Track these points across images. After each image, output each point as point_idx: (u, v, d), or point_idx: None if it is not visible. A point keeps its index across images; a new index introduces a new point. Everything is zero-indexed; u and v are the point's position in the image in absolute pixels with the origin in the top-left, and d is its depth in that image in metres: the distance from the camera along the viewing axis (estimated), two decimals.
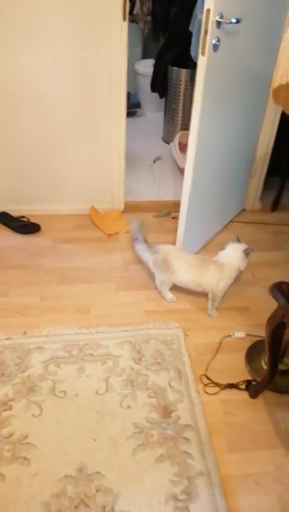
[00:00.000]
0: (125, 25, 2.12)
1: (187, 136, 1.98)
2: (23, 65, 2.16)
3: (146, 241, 2.10)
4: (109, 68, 2.21)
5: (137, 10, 3.55)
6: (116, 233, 2.54)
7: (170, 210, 2.72)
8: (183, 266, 1.98)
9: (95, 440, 1.49)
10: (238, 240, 1.98)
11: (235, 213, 2.74)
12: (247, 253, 1.94)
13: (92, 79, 2.24)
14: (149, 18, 3.58)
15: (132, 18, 3.54)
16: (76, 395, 1.63)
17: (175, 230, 2.27)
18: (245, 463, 1.47)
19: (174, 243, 2.28)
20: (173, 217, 2.65)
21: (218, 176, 2.31)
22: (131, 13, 3.50)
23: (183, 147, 2.94)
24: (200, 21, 1.79)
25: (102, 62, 2.20)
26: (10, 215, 2.57)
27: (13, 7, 2.00)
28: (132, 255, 2.34)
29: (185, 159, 2.03)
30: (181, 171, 2.70)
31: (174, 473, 1.41)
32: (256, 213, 2.80)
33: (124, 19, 2.10)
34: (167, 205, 2.74)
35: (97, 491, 1.36)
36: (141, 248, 2.12)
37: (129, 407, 1.60)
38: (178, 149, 3.09)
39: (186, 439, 1.51)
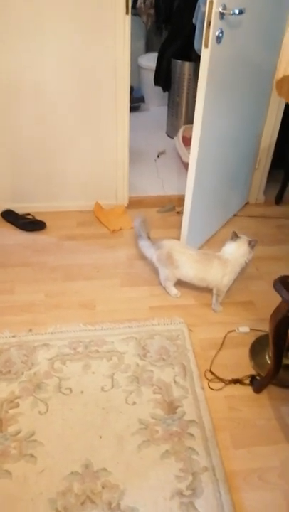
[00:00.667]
0: (128, 18, 2.10)
1: (191, 130, 1.96)
2: (24, 63, 2.15)
3: (149, 237, 2.10)
4: (113, 63, 2.20)
5: (139, 3, 3.52)
6: (120, 229, 2.54)
7: (174, 205, 2.71)
8: (187, 261, 1.98)
9: (100, 437, 1.50)
10: (236, 235, 1.96)
11: (239, 207, 2.73)
12: (252, 245, 1.93)
13: (95, 74, 2.23)
14: (152, 11, 3.56)
15: (135, 11, 3.52)
16: (82, 392, 1.64)
17: (179, 225, 2.26)
18: (250, 458, 1.47)
19: (178, 238, 2.27)
20: (177, 212, 2.64)
21: (221, 170, 2.30)
22: (134, 6, 3.48)
23: (187, 141, 2.92)
24: (203, 13, 1.77)
25: (105, 56, 2.18)
26: (15, 213, 2.58)
27: (13, 4, 1.99)
28: (136, 251, 2.33)
29: (189, 153, 2.02)
30: (185, 165, 2.69)
31: (179, 468, 1.42)
32: (260, 207, 2.78)
33: (127, 13, 2.08)
34: (171, 200, 2.74)
35: (103, 487, 1.37)
36: (144, 244, 2.12)
37: (134, 403, 1.61)
38: (182, 143, 3.08)
39: (191, 434, 1.51)
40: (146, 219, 2.14)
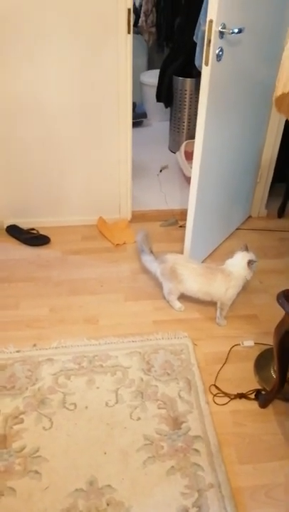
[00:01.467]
0: (130, 37, 2.15)
1: (193, 144, 1.99)
2: (27, 80, 2.20)
3: (152, 251, 2.11)
4: (115, 80, 2.24)
5: (141, 22, 3.60)
6: (124, 243, 2.55)
7: (177, 219, 2.73)
8: (190, 275, 1.99)
9: (105, 453, 1.49)
10: (246, 249, 1.98)
11: (241, 221, 2.74)
12: (250, 265, 1.93)
13: (98, 91, 2.28)
14: (153, 29, 3.63)
15: (137, 29, 3.59)
16: (86, 407, 1.64)
17: (182, 239, 2.27)
18: (256, 474, 1.45)
19: (181, 252, 2.28)
20: (180, 226, 2.66)
21: (224, 184, 2.32)
22: (135, 25, 3.55)
23: (189, 156, 2.95)
24: (203, 32, 1.81)
25: (108, 74, 2.23)
26: (20, 228, 2.60)
27: (18, 22, 2.05)
28: (139, 265, 2.35)
29: (191, 168, 2.05)
30: (188, 179, 2.71)
31: (184, 485, 1.41)
32: (262, 220, 2.79)
33: (129, 32, 2.13)
34: (174, 214, 2.75)
35: (108, 504, 1.36)
36: (147, 259, 2.13)
37: (139, 418, 1.60)
38: (184, 158, 3.11)
39: (196, 450, 1.50)
40: (148, 234, 2.16)
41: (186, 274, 1.99)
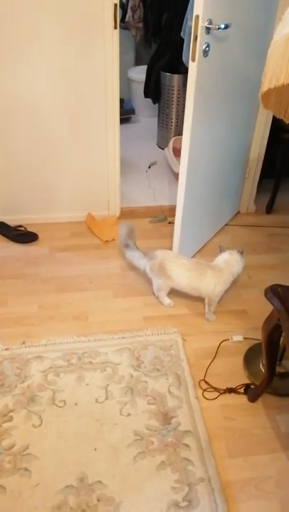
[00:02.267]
0: (116, 33, 2.13)
1: (181, 141, 1.99)
2: (14, 78, 2.17)
3: (137, 247, 2.09)
4: (102, 76, 2.23)
5: (128, 17, 3.57)
6: (113, 240, 2.54)
7: (166, 215, 2.72)
8: (180, 270, 1.99)
9: (95, 449, 1.49)
10: (223, 249, 2.01)
11: (230, 216, 2.75)
12: (242, 254, 1.96)
13: (85, 87, 2.26)
14: (140, 24, 3.60)
15: (124, 25, 3.57)
16: (76, 404, 1.63)
17: (171, 235, 2.28)
18: (246, 468, 1.47)
19: (170, 248, 2.28)
20: (169, 222, 2.66)
21: (212, 180, 2.33)
22: (123, 20, 3.53)
23: (177, 152, 2.95)
24: (190, 27, 1.80)
25: (95, 70, 2.21)
26: (7, 225, 2.58)
27: (5, 22, 2.02)
28: (129, 261, 2.34)
29: (179, 164, 2.04)
30: (176, 175, 2.71)
31: (174, 480, 1.41)
32: (251, 216, 2.81)
33: (116, 27, 2.12)
34: (163, 210, 2.75)
35: (99, 500, 1.36)
36: (135, 255, 2.12)
37: (129, 414, 1.60)
38: (172, 154, 3.11)
39: (186, 445, 1.51)
40: (133, 228, 2.13)
41: (175, 269, 1.99)
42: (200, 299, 2.06)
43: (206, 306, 2.02)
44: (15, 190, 2.55)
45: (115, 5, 2.06)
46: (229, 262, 1.97)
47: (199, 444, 1.51)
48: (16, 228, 2.56)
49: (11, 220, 2.59)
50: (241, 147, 2.50)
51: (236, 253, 1.97)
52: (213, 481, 1.41)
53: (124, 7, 3.56)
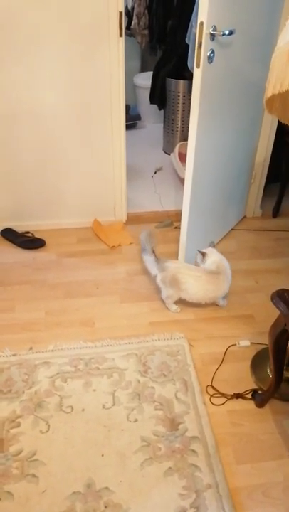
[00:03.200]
0: (122, 40, 2.16)
1: (187, 146, 1.99)
2: (20, 84, 2.20)
3: (154, 252, 2.10)
4: (108, 83, 2.25)
5: (134, 24, 3.60)
6: (119, 245, 2.55)
7: (172, 220, 2.73)
8: (196, 283, 2.00)
9: (102, 455, 1.49)
10: (204, 254, 2.08)
11: (236, 221, 2.75)
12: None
13: (91, 94, 2.28)
14: (146, 31, 3.63)
15: (130, 32, 3.60)
16: (83, 410, 1.64)
17: (177, 240, 2.28)
18: (254, 474, 1.46)
19: (176, 253, 2.29)
20: (175, 227, 2.66)
21: (218, 185, 2.33)
22: (128, 27, 3.56)
23: (183, 157, 2.96)
24: (195, 34, 1.82)
25: (101, 77, 2.23)
26: (14, 231, 2.60)
27: (12, 26, 2.05)
28: (135, 267, 2.35)
29: (185, 169, 2.05)
30: (182, 181, 2.72)
31: (182, 486, 1.41)
32: (257, 220, 2.80)
33: (121, 35, 2.14)
34: (169, 216, 2.76)
35: (106, 507, 1.36)
36: (148, 260, 2.11)
37: (136, 420, 1.60)
38: (178, 160, 3.12)
39: (194, 451, 1.50)
40: (153, 233, 2.14)
41: (191, 282, 2.00)
42: (206, 304, 2.06)
43: (222, 300, 2.09)
44: (21, 197, 2.57)
45: (120, 13, 2.08)
46: (221, 258, 2.06)
47: (207, 450, 1.51)
48: (23, 234, 2.58)
49: (18, 226, 2.62)
50: (247, 151, 2.50)
51: (214, 249, 2.11)
52: (221, 487, 1.40)
53: (129, 14, 3.59)
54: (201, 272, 2.04)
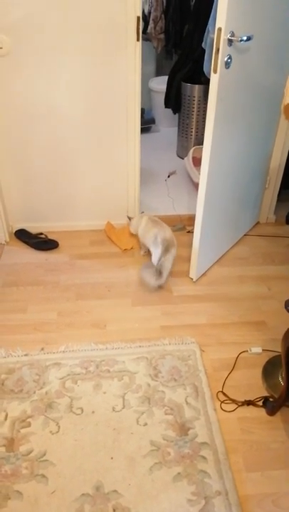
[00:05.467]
0: (139, 44, 2.17)
1: (201, 151, 1.99)
2: (38, 87, 2.22)
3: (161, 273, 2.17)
4: (124, 86, 2.26)
5: (150, 29, 3.62)
6: (131, 248, 2.56)
7: (185, 224, 2.73)
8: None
9: (111, 458, 1.49)
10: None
11: (249, 226, 2.74)
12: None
13: (107, 97, 2.29)
14: (162, 36, 3.65)
15: (146, 36, 3.62)
16: (93, 412, 1.64)
17: (190, 244, 2.27)
18: (263, 482, 1.44)
19: (189, 257, 2.29)
20: (188, 232, 2.66)
21: (231, 190, 2.32)
22: (144, 31, 3.58)
23: (197, 162, 2.97)
24: (212, 39, 1.82)
25: (117, 80, 2.25)
26: (28, 232, 2.62)
27: (31, 33, 2.07)
28: None
29: (199, 174, 2.05)
30: (196, 185, 2.72)
31: (191, 492, 1.40)
32: (271, 226, 2.78)
33: (138, 39, 2.15)
34: (182, 220, 2.76)
35: (114, 510, 1.35)
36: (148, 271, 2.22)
37: (145, 424, 1.60)
38: (192, 164, 3.12)
39: (203, 457, 1.50)
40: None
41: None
42: (219, 310, 2.06)
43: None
44: (36, 198, 2.59)
45: (138, 18, 2.09)
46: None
47: (216, 457, 1.50)
48: (36, 236, 2.60)
49: (32, 227, 2.64)
50: (262, 157, 2.49)
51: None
52: (230, 494, 1.39)
53: (146, 19, 3.61)
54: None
